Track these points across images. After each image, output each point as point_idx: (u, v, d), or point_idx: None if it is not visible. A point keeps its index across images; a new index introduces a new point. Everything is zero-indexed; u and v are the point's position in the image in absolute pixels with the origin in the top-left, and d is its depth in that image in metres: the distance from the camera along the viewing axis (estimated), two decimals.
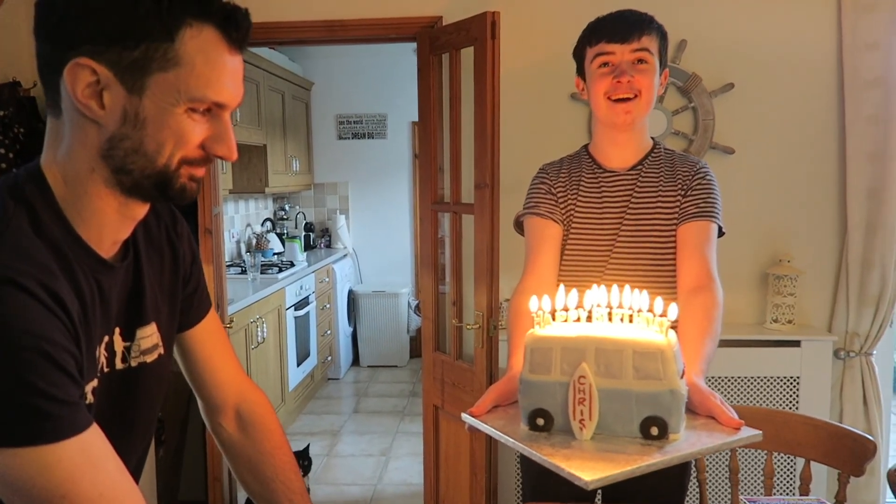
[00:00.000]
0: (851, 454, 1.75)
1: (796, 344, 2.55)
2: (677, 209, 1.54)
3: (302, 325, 4.47)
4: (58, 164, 0.84)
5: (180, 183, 0.85)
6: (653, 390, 1.02)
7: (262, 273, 4.18)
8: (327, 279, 5.11)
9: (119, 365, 0.93)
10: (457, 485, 2.62)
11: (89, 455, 0.75)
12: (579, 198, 1.60)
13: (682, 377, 1.05)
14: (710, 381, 2.58)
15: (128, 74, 0.79)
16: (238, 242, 4.87)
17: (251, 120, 4.23)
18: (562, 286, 1.14)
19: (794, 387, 2.56)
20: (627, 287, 1.11)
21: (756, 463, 2.58)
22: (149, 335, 0.97)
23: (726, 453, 2.40)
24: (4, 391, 0.70)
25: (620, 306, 1.10)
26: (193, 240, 1.11)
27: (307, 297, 4.58)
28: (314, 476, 3.58)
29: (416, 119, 2.74)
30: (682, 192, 1.55)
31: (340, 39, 2.77)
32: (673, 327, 1.42)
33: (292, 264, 4.58)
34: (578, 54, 1.59)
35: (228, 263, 4.46)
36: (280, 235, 5.18)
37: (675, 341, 1.06)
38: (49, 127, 0.85)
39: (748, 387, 2.57)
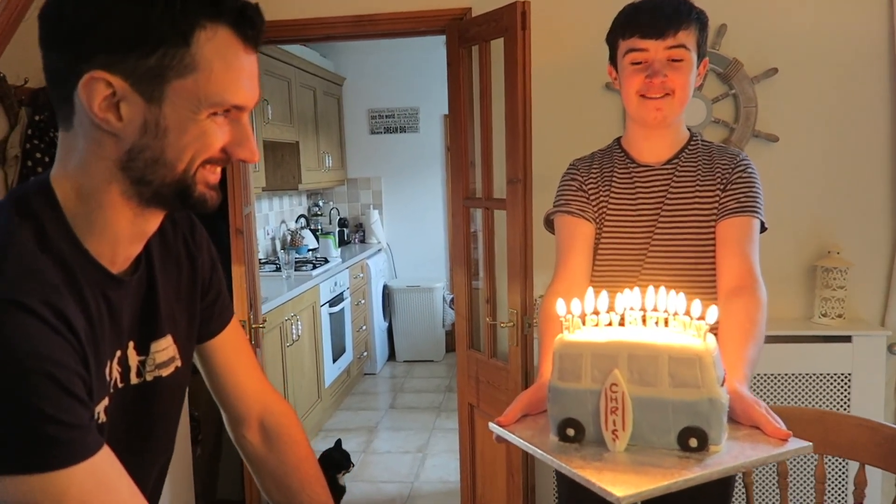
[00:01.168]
0: None
1: (847, 339, 2.44)
2: (717, 204, 1.46)
3: (337, 321, 4.47)
4: (69, 178, 0.81)
5: (199, 191, 0.82)
6: (691, 399, 0.96)
7: (296, 270, 4.18)
8: (362, 275, 5.10)
9: (134, 380, 0.91)
10: (493, 485, 2.57)
11: (100, 479, 0.72)
12: (612, 194, 1.52)
13: (722, 385, 0.98)
14: (755, 379, 2.48)
15: (145, 84, 0.75)
16: (273, 240, 4.89)
17: (283, 117, 4.23)
18: (590, 289, 1.08)
19: (846, 384, 2.44)
20: (663, 289, 1.04)
21: (807, 466, 2.47)
22: (164, 348, 0.94)
23: None
24: (12, 417, 0.67)
25: (655, 309, 1.04)
26: (213, 247, 1.08)
27: (342, 294, 4.58)
28: (351, 473, 3.56)
29: (448, 112, 2.69)
30: (722, 187, 1.47)
31: (369, 34, 2.73)
32: (713, 331, 1.35)
33: (326, 261, 4.58)
34: (611, 42, 1.51)
35: (263, 261, 4.48)
36: (314, 232, 5.19)
37: (715, 346, 0.99)
38: (61, 140, 0.82)
39: (796, 385, 2.46)
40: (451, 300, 5.33)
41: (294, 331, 3.66)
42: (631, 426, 0.98)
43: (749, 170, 1.48)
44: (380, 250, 5.61)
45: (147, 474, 0.97)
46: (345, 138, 5.62)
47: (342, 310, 4.56)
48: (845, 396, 2.44)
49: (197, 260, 1.01)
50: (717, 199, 1.47)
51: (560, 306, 1.05)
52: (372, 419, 4.41)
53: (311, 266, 4.30)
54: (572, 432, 1.02)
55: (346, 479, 3.13)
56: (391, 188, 5.73)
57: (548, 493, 2.56)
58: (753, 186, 1.47)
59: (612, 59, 1.51)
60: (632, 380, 0.98)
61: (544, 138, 2.49)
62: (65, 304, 0.73)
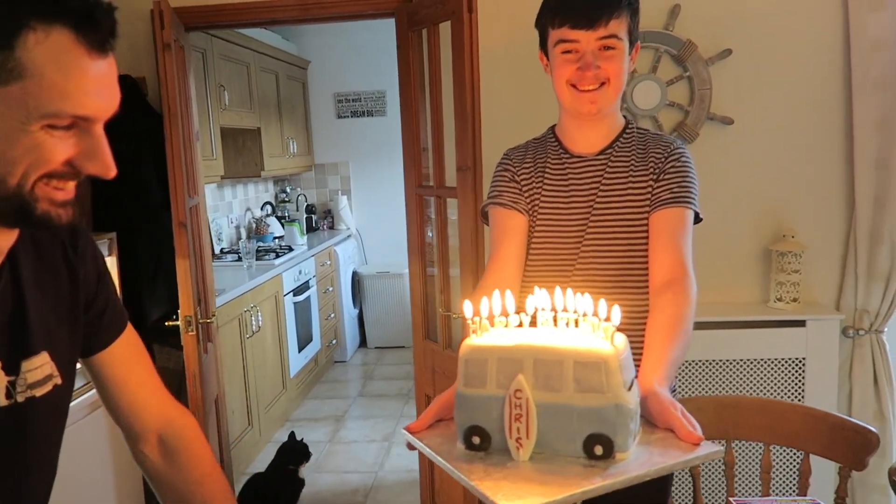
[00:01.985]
0: (852, 447, 1.64)
1: (801, 324, 2.42)
2: (649, 195, 1.42)
3: (302, 309, 4.41)
4: None
5: (41, 209, 0.75)
6: (596, 405, 0.92)
7: (257, 260, 4.11)
8: (329, 262, 5.04)
9: (3, 401, 0.84)
10: (451, 477, 2.54)
11: None
12: (545, 185, 1.48)
13: (630, 388, 0.94)
14: (710, 364, 2.46)
15: None
16: (238, 228, 4.81)
17: (242, 103, 4.14)
18: (496, 290, 1.03)
19: (800, 368, 2.43)
20: (570, 290, 1.00)
21: (754, 455, 2.46)
22: (38, 366, 0.88)
23: (721, 445, 2.29)
24: None
25: (565, 310, 0.99)
26: (101, 256, 1.01)
27: (307, 282, 4.52)
28: (315, 463, 3.53)
29: None
30: (655, 177, 1.42)
31: (316, 18, 2.65)
32: (641, 327, 1.31)
33: (291, 249, 4.51)
34: (541, 29, 1.45)
35: (226, 250, 4.40)
36: (280, 219, 5.11)
37: (625, 348, 0.95)
38: None
39: (751, 370, 2.45)
40: None
41: (254, 322, 3.60)
42: (535, 434, 0.94)
43: (683, 159, 1.43)
44: (349, 236, 5.54)
45: (23, 497, 0.91)
46: (311, 123, 5.52)
47: (308, 298, 4.50)
48: (799, 381, 2.43)
49: (78, 271, 0.95)
50: (651, 189, 1.42)
51: (467, 308, 1.00)
52: (340, 408, 4.37)
53: (273, 255, 4.23)
54: (478, 440, 0.97)
55: (308, 471, 3.10)
56: (359, 173, 5.65)
57: None
58: (687, 176, 1.42)
59: (543, 46, 1.46)
60: (537, 385, 0.94)
61: (496, 124, 2.43)
62: None
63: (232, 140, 4.28)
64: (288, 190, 5.58)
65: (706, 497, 2.50)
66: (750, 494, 2.44)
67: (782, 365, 2.44)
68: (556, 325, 1.00)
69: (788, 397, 2.42)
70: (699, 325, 2.43)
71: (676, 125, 2.51)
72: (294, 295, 4.27)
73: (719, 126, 2.49)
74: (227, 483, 1.10)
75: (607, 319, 0.94)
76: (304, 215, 5.39)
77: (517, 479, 0.90)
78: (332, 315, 5.07)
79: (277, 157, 4.70)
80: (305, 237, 4.90)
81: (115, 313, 1.02)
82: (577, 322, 0.98)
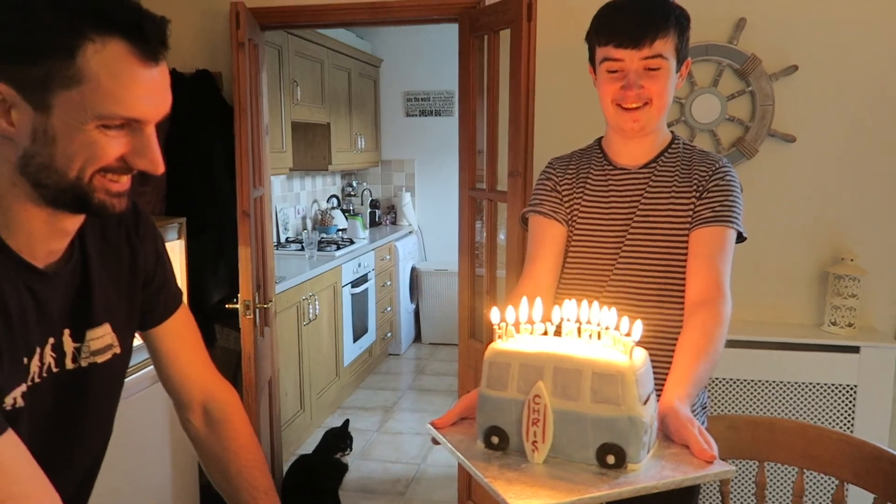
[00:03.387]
0: (890, 479, 1.60)
1: (855, 350, 2.36)
2: (691, 211, 1.43)
3: (359, 301, 4.53)
4: None
5: (98, 199, 0.84)
6: (610, 416, 0.95)
7: (319, 251, 4.25)
8: (388, 257, 5.15)
9: (69, 365, 0.95)
10: None
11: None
12: (585, 196, 1.50)
13: (646, 402, 0.97)
14: (757, 385, 2.43)
15: (32, 92, 0.78)
16: (304, 218, 4.97)
17: (314, 99, 4.27)
18: (524, 297, 1.07)
19: (851, 396, 2.37)
20: (596, 303, 1.03)
21: (787, 479, 2.42)
22: (100, 336, 0.99)
23: (754, 465, 2.26)
24: None
25: (589, 322, 1.03)
26: (160, 238, 1.12)
27: (366, 275, 4.63)
28: (362, 451, 3.64)
29: None
30: (698, 195, 1.43)
31: (383, 21, 2.74)
32: (674, 341, 1.33)
33: (352, 242, 4.63)
34: (589, 44, 1.48)
35: (291, 240, 4.56)
36: (345, 212, 5.25)
37: (643, 363, 0.98)
38: None
39: (799, 393, 2.41)
40: None
41: (311, 310, 3.73)
42: (551, 438, 0.98)
43: (728, 177, 1.44)
44: (410, 232, 5.64)
45: (79, 455, 1.02)
46: (380, 120, 5.65)
47: (365, 290, 4.61)
48: (849, 409, 2.38)
49: (139, 251, 1.05)
50: (693, 206, 1.43)
51: (494, 314, 1.05)
52: (390, 399, 4.47)
53: (335, 247, 4.36)
54: (497, 440, 1.02)
55: (354, 458, 3.20)
56: (424, 171, 5.75)
57: None
58: (731, 195, 1.42)
59: (591, 61, 1.48)
60: (555, 392, 0.98)
61: (550, 129, 2.46)
62: None
63: (302, 133, 4.43)
64: (354, 184, 5.72)
65: None
66: None
67: (832, 391, 2.39)
68: (579, 335, 1.04)
69: (837, 425, 2.37)
70: (748, 345, 2.42)
71: (735, 141, 2.48)
72: (352, 287, 4.39)
73: (780, 143, 2.45)
74: (262, 457, 1.19)
75: (628, 334, 0.98)
76: (368, 210, 5.52)
77: (529, 480, 0.94)
78: (389, 308, 5.18)
79: (345, 152, 4.84)
80: (367, 231, 5.02)
81: (170, 293, 1.13)
82: (599, 335, 1.02)
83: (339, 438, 3.02)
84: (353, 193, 5.65)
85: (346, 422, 3.13)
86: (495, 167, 2.50)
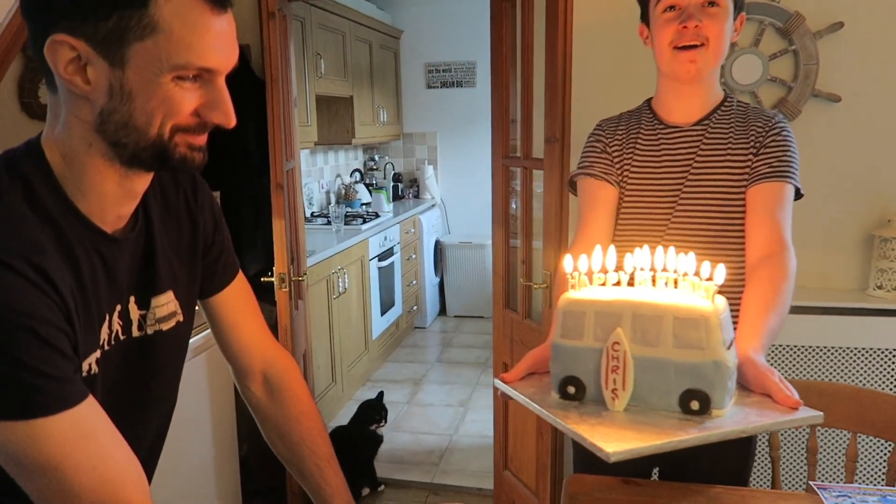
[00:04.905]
0: None
1: None
2: (748, 169, 1.40)
3: (386, 275, 4.52)
4: (56, 140, 0.83)
5: (179, 153, 0.83)
6: (694, 361, 0.94)
7: (345, 224, 4.24)
8: (413, 230, 5.13)
9: (135, 332, 0.94)
10: (524, 443, 2.59)
11: (82, 428, 0.76)
12: (636, 156, 1.48)
13: (729, 348, 0.95)
14: (801, 350, 2.40)
15: (106, 47, 0.76)
16: (328, 193, 4.96)
17: (337, 71, 4.24)
18: (598, 246, 1.05)
19: None
20: (672, 249, 1.01)
21: (839, 443, 2.39)
22: (164, 303, 0.98)
23: (804, 431, 2.23)
24: None
25: (665, 269, 1.01)
26: (217, 205, 1.10)
27: (392, 248, 4.62)
28: (393, 423, 3.65)
29: None
30: (755, 151, 1.40)
31: None
32: (732, 300, 1.30)
33: (377, 215, 4.62)
34: None
35: (317, 214, 4.55)
36: (368, 186, 5.23)
37: (724, 308, 0.96)
38: (49, 103, 0.85)
39: (845, 358, 2.37)
40: None
41: (341, 284, 3.73)
42: (631, 386, 0.97)
43: (784, 132, 1.41)
44: (433, 206, 5.62)
45: (147, 422, 1.02)
46: (401, 92, 5.60)
47: (391, 264, 4.61)
48: None
49: (198, 219, 1.04)
50: (750, 163, 1.40)
51: (567, 263, 1.03)
52: (418, 372, 4.48)
53: (361, 220, 4.35)
54: (573, 390, 1.01)
55: (387, 430, 3.21)
56: (446, 144, 5.71)
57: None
58: (788, 150, 1.40)
59: (644, 17, 1.46)
60: (634, 339, 0.97)
61: (586, 96, 2.41)
62: (48, 262, 0.76)
63: (325, 107, 4.41)
64: (376, 158, 5.69)
65: (785, 484, 2.46)
66: (832, 482, 2.38)
67: (879, 355, 2.35)
68: (654, 285, 1.02)
69: (885, 389, 2.34)
70: (793, 310, 2.37)
71: (778, 102, 2.43)
72: (379, 260, 4.38)
73: (824, 103, 2.40)
74: (322, 423, 1.18)
75: (709, 279, 0.96)
76: (391, 183, 5.50)
77: (613, 426, 0.93)
78: (415, 282, 5.18)
79: (368, 126, 4.81)
80: (392, 205, 5.01)
81: (228, 260, 1.12)
82: (675, 282, 1.00)
83: (374, 410, 3.03)
84: (375, 167, 5.62)
85: (381, 394, 3.14)
86: (530, 134, 2.46)
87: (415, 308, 5.24)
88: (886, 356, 2.35)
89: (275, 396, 1.16)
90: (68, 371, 0.76)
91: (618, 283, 1.03)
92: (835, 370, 2.38)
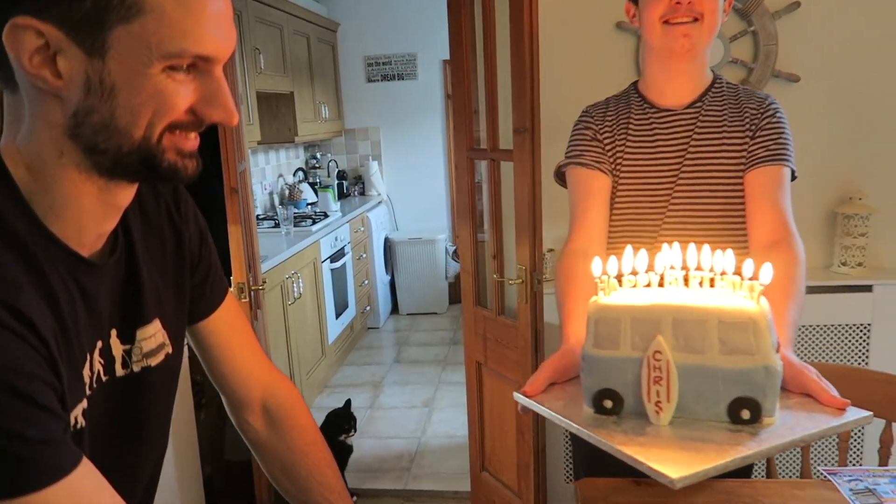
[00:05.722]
0: None
1: (867, 289, 2.36)
2: (745, 152, 1.36)
3: (339, 276, 4.38)
4: (19, 150, 0.69)
5: (169, 161, 0.70)
6: (743, 367, 0.87)
7: (295, 226, 4.08)
8: (362, 228, 5.00)
9: (120, 371, 0.81)
10: (503, 444, 2.52)
11: (79, 498, 0.63)
12: (628, 143, 1.42)
13: (777, 351, 0.89)
14: None
15: (83, 32, 0.63)
16: (271, 195, 4.77)
17: (276, 67, 4.06)
18: (629, 247, 0.98)
19: (865, 335, 2.37)
20: (707, 246, 0.95)
21: None
22: (151, 335, 0.84)
23: None
24: None
25: (699, 268, 0.94)
26: (201, 217, 0.96)
27: (343, 248, 4.48)
28: (358, 429, 3.51)
29: (448, 57, 2.54)
30: (751, 133, 1.37)
31: None
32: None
33: (326, 215, 4.47)
34: None
35: (262, 217, 4.37)
36: (313, 185, 5.07)
37: (769, 309, 0.90)
38: (6, 105, 0.69)
39: (813, 336, 2.39)
40: (454, 252, 5.24)
41: (295, 289, 3.58)
42: (676, 397, 0.90)
43: (779, 114, 1.39)
44: (380, 203, 5.50)
45: (139, 470, 0.88)
46: (341, 87, 5.44)
47: (344, 265, 4.47)
48: (864, 348, 2.38)
49: (183, 234, 0.90)
50: (746, 146, 1.37)
51: (596, 266, 0.95)
52: (377, 374, 4.37)
53: (310, 221, 4.20)
54: (610, 404, 0.93)
55: (353, 437, 3.08)
56: (390, 138, 5.58)
57: (558, 453, 2.52)
58: (784, 132, 1.38)
59: None
60: (677, 346, 0.90)
61: (554, 84, 2.36)
62: (25, 301, 0.63)
63: (266, 105, 4.22)
64: (318, 156, 5.52)
65: (780, 467, 2.47)
66: (825, 462, 2.40)
67: (846, 331, 2.38)
68: (687, 284, 0.95)
69: (852, 363, 2.37)
70: None
71: (739, 83, 2.41)
72: (331, 262, 4.24)
73: (784, 83, 2.40)
74: (329, 453, 1.06)
75: (754, 278, 0.89)
76: (336, 181, 5.34)
77: (662, 445, 0.86)
78: (366, 281, 5.05)
79: (310, 123, 4.64)
80: (339, 203, 4.85)
81: (217, 277, 0.99)
82: (712, 281, 0.94)
83: (343, 419, 2.90)
84: (318, 166, 5.45)
85: (348, 402, 3.01)
86: (497, 125, 2.38)
87: (368, 308, 5.11)
88: (853, 331, 2.38)
89: (277, 428, 1.03)
90: (57, 432, 0.63)
91: (648, 285, 0.96)
92: (804, 348, 2.40)
